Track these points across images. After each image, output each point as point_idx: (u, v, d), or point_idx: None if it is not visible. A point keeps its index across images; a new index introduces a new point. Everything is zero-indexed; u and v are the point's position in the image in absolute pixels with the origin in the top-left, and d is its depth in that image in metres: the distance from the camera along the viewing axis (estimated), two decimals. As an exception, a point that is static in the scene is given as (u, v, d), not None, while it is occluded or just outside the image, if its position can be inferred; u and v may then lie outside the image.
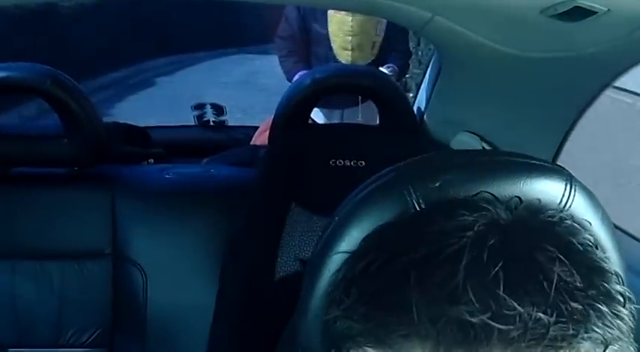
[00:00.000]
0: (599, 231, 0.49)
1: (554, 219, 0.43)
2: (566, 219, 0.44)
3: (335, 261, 0.52)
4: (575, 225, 0.44)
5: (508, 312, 0.36)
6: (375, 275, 0.42)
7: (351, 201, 0.54)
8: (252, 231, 1.41)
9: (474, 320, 0.36)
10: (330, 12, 2.66)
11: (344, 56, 2.66)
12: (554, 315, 0.37)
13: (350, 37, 2.61)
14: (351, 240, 0.51)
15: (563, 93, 1.01)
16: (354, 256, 0.46)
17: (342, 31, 2.62)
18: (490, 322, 0.36)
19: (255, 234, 1.41)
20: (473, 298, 0.37)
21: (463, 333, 0.37)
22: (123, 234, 1.55)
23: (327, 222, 0.57)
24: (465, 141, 1.34)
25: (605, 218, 0.53)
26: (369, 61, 2.71)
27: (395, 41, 2.86)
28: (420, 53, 4.77)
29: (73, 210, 1.56)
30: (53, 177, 1.62)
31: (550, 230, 0.42)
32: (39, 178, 1.62)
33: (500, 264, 0.38)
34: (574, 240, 0.42)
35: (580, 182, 0.52)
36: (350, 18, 2.59)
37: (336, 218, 0.55)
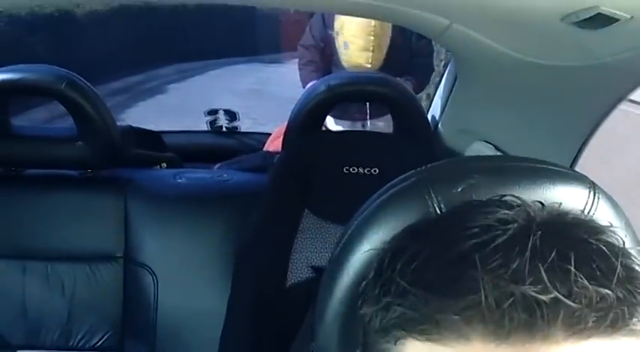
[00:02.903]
0: (625, 238, 0.49)
1: (585, 219, 0.44)
2: (594, 220, 0.45)
3: (357, 262, 0.52)
4: (605, 225, 0.44)
5: (577, 290, 0.37)
6: (425, 265, 0.41)
7: (372, 205, 0.54)
8: (264, 237, 1.41)
9: (543, 297, 0.36)
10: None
11: (364, 59, 2.63)
12: (617, 295, 0.37)
13: (372, 37, 2.59)
14: (371, 243, 0.51)
15: (581, 103, 1.00)
16: (390, 253, 0.45)
17: (365, 31, 2.60)
18: (562, 298, 0.36)
19: (267, 240, 1.41)
20: (544, 276, 0.37)
21: (529, 313, 0.37)
22: (135, 237, 1.55)
23: (342, 228, 0.57)
24: (479, 150, 1.34)
25: (628, 226, 0.53)
26: (381, 68, 2.70)
27: (418, 54, 2.86)
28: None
29: (85, 212, 1.57)
30: (66, 180, 1.62)
31: (586, 226, 0.42)
32: (52, 180, 1.62)
33: (555, 251, 0.38)
34: (609, 239, 0.42)
35: (602, 189, 0.52)
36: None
37: (355, 222, 0.55)
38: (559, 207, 0.45)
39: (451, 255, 0.40)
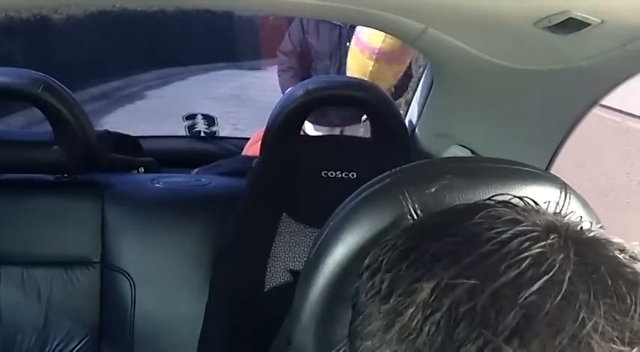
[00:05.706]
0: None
1: (602, 233, 0.41)
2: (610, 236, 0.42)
3: (332, 263, 0.52)
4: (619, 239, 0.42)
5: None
6: (464, 298, 0.36)
7: (346, 207, 0.54)
8: (242, 242, 1.40)
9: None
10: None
11: None
12: None
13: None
14: (346, 245, 0.51)
15: (556, 107, 1.01)
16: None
17: (361, 71, 2.54)
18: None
19: (245, 244, 1.40)
20: (611, 331, 0.35)
21: None
22: (112, 242, 1.54)
23: (319, 231, 0.56)
24: (455, 154, 1.34)
25: (598, 224, 0.53)
26: None
27: None
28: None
29: (62, 217, 1.55)
30: (43, 184, 1.60)
31: (614, 244, 0.40)
32: (28, 185, 1.60)
33: (609, 297, 0.36)
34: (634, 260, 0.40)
35: (574, 190, 0.53)
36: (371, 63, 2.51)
37: (331, 223, 0.55)
38: (573, 216, 0.44)
39: (491, 291, 0.36)
